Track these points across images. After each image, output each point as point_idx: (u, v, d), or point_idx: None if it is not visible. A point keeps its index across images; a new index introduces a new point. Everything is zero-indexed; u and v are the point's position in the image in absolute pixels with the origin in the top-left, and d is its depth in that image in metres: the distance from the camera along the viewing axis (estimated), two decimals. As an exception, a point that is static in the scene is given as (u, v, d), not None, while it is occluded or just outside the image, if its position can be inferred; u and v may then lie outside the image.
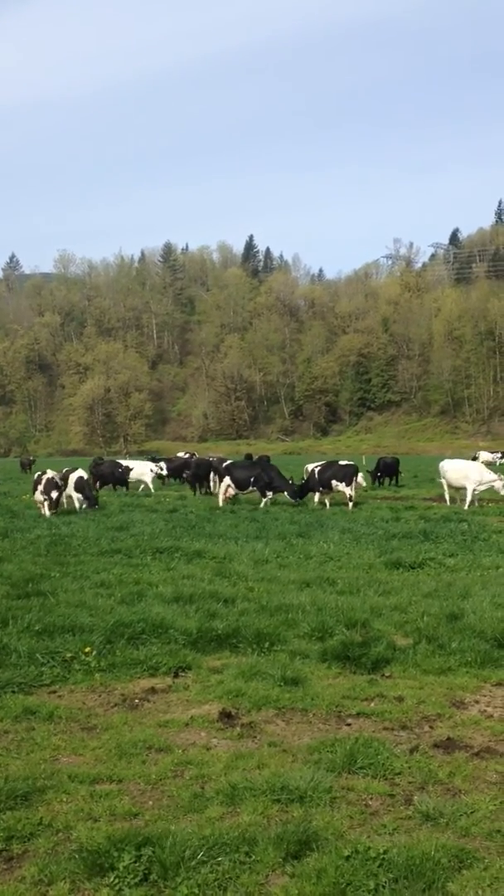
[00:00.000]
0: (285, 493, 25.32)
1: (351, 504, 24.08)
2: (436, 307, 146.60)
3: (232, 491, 25.60)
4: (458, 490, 25.40)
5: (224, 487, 25.58)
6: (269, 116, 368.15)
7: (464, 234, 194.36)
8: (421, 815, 4.64)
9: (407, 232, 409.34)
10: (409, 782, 5.16)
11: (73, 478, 23.73)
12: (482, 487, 24.80)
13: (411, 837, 4.34)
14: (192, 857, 4.14)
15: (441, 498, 26.56)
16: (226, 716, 6.39)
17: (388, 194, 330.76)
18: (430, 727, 6.19)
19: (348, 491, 24.30)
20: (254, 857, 4.17)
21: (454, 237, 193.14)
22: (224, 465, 27.26)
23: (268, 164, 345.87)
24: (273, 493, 25.34)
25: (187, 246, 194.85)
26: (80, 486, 23.61)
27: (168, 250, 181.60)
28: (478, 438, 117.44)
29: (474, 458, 42.63)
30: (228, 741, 5.92)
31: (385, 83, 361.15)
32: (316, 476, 25.38)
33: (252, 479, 25.17)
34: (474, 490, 24.55)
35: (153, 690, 7.09)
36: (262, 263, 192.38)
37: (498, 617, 9.08)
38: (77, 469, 24.95)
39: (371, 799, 4.93)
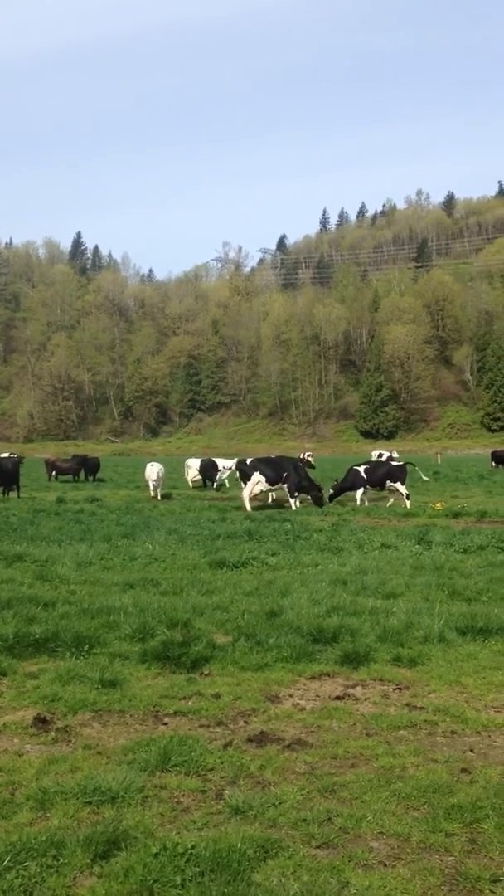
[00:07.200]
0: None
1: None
2: (264, 311, 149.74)
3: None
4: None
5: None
6: (101, 112, 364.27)
7: (290, 241, 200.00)
8: (230, 809, 4.72)
9: (236, 236, 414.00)
10: (221, 777, 5.25)
11: None
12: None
13: (219, 831, 4.42)
14: (-2, 864, 4.05)
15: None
16: (40, 721, 6.27)
17: (218, 198, 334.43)
18: (245, 722, 6.32)
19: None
20: (62, 860, 4.13)
21: (281, 243, 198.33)
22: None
23: (96, 162, 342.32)
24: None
25: (11, 240, 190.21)
26: None
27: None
28: (304, 440, 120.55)
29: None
30: (42, 746, 5.82)
31: (221, 89, 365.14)
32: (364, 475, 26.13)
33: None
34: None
35: (-36, 699, 6.87)
36: (90, 261, 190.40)
37: (314, 613, 9.36)
38: None
39: (183, 795, 4.98)
